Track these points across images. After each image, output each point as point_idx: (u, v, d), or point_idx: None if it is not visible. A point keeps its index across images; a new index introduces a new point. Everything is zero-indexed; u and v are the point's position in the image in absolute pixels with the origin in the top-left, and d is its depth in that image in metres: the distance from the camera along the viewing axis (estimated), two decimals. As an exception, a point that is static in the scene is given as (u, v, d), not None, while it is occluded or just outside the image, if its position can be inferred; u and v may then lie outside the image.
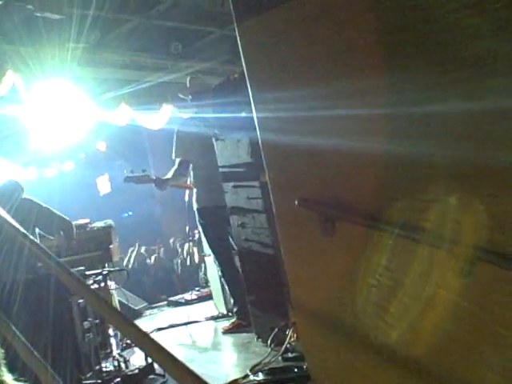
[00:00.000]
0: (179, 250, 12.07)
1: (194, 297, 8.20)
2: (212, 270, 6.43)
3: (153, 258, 11.94)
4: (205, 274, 7.96)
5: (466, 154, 2.17)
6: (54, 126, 7.94)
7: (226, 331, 5.43)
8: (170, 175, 5.82)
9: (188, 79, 6.00)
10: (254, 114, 2.82)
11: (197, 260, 10.36)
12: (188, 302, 8.11)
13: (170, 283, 10.90)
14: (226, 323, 5.64)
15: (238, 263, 5.34)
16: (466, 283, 2.19)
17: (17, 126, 8.54)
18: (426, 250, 2.26)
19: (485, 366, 2.18)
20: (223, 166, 4.99)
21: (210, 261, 6.44)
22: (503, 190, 2.10)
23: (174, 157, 5.74)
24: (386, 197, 2.38)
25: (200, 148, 5.62)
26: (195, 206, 5.70)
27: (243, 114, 4.28)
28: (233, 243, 5.44)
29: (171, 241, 13.37)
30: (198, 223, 5.80)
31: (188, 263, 10.97)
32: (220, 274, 5.74)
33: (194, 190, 5.74)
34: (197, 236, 9.02)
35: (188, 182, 6.09)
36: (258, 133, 2.82)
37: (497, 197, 2.11)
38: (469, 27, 2.11)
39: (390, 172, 2.37)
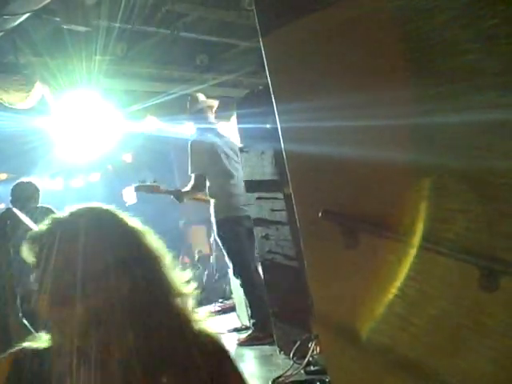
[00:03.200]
0: (199, 262, 12.06)
1: (218, 308, 8.18)
2: (235, 281, 6.43)
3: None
4: (229, 285, 7.94)
5: (492, 166, 2.15)
6: (80, 138, 8.01)
7: (242, 343, 5.41)
8: (187, 189, 5.90)
9: (188, 99, 6.20)
10: (278, 126, 2.82)
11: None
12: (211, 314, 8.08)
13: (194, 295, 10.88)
14: (244, 335, 5.62)
15: (259, 275, 5.36)
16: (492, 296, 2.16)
17: (44, 137, 8.65)
18: (450, 262, 2.23)
19: None
20: (247, 178, 4.99)
21: (233, 272, 6.46)
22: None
23: (189, 172, 5.81)
24: (410, 208, 2.36)
25: (213, 158, 5.72)
26: (214, 219, 5.74)
27: (268, 126, 4.29)
28: (252, 255, 5.48)
29: (196, 252, 13.38)
30: (216, 236, 5.82)
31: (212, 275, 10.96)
32: (240, 285, 5.73)
33: (212, 202, 5.78)
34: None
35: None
36: (282, 144, 2.81)
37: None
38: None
39: (413, 183, 2.35)
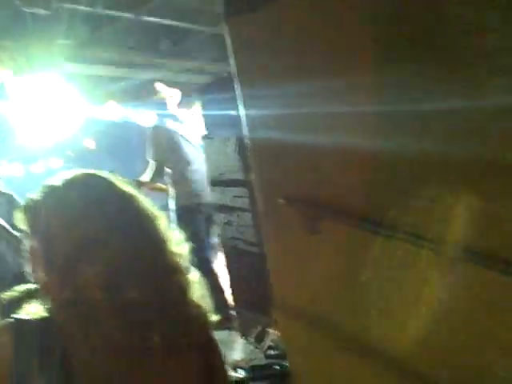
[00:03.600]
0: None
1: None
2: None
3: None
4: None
5: (465, 153, 2.08)
6: (41, 122, 7.88)
7: None
8: (147, 178, 5.90)
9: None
10: (243, 112, 2.81)
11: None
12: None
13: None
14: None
15: (211, 262, 5.42)
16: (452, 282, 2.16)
17: (3, 123, 8.49)
18: (413, 249, 2.23)
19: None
20: (211, 165, 5.00)
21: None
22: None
23: (149, 158, 5.83)
24: (373, 195, 2.37)
25: (173, 144, 5.77)
26: (174, 206, 5.75)
27: (233, 113, 4.30)
28: (209, 243, 5.53)
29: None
30: (176, 223, 5.82)
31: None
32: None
33: (172, 189, 5.81)
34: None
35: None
36: (246, 131, 2.81)
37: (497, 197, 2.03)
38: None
39: (377, 171, 2.35)
